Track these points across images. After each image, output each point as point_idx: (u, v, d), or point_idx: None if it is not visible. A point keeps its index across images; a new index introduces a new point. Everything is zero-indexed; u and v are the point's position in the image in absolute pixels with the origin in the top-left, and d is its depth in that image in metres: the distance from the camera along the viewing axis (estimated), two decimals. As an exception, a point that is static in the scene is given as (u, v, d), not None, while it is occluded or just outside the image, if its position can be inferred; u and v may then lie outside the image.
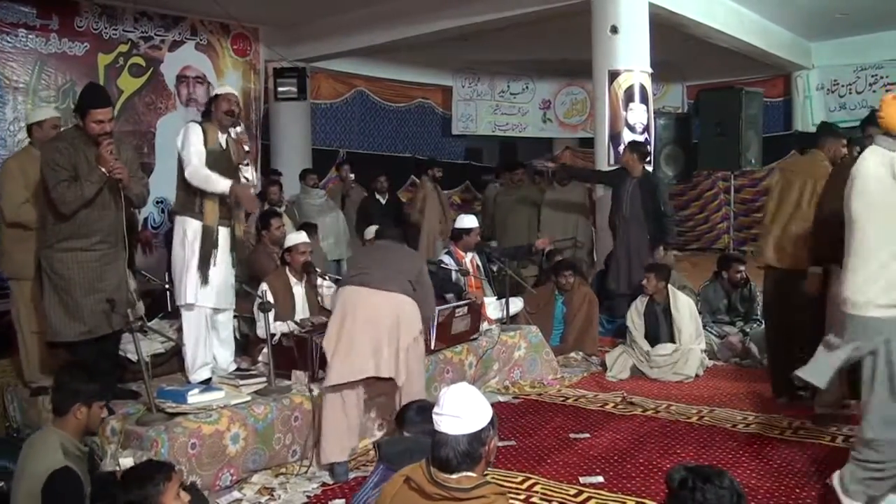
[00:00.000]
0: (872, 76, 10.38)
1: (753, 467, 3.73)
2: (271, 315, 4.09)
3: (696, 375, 5.43)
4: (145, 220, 7.76)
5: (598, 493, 3.48)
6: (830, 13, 9.01)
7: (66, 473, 2.77)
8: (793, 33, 10.11)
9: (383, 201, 8.04)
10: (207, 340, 4.25)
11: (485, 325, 5.37)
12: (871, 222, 3.00)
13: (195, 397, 3.73)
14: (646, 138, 6.80)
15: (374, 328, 3.75)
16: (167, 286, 5.26)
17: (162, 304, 5.44)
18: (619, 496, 3.45)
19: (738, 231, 10.23)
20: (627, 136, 6.69)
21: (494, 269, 5.77)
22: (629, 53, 6.73)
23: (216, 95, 4.27)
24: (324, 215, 7.66)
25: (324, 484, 3.71)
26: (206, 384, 4.05)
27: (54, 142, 3.88)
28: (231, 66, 8.84)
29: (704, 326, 5.89)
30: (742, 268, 6.19)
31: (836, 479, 3.13)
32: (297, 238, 4.84)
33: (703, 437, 4.19)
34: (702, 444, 4.09)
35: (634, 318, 5.65)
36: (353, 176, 8.57)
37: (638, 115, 6.77)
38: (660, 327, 5.59)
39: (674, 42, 8.48)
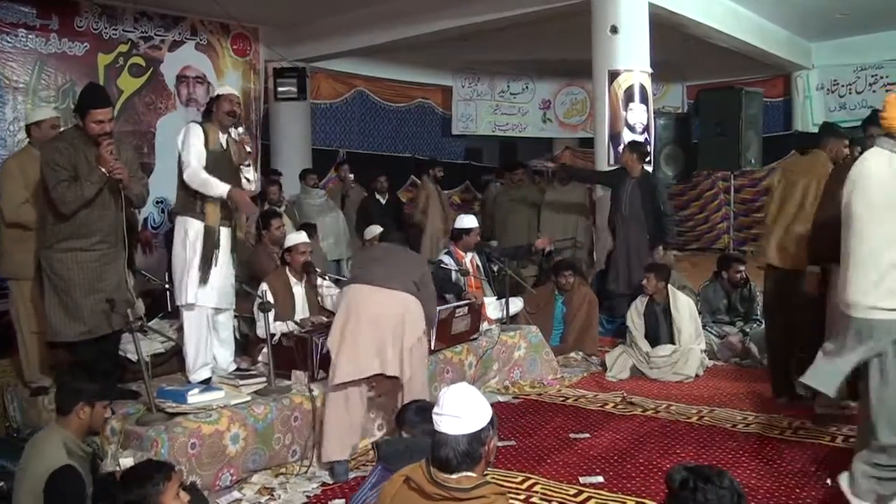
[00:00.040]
0: (872, 76, 10.37)
1: (753, 467, 3.73)
2: (271, 315, 4.10)
3: (696, 375, 5.43)
4: (145, 220, 7.75)
5: (598, 493, 3.48)
6: (830, 13, 9.00)
7: (68, 472, 2.78)
8: (793, 33, 10.11)
9: (383, 201, 8.04)
10: (208, 340, 4.25)
11: (485, 325, 5.37)
12: (875, 224, 2.98)
13: (195, 397, 3.73)
14: (646, 138, 6.80)
15: (379, 326, 3.76)
16: (167, 286, 5.26)
17: (162, 304, 5.44)
18: (618, 496, 3.45)
19: (737, 231, 10.22)
20: (627, 136, 6.69)
21: (494, 269, 5.77)
22: (629, 53, 6.72)
23: (218, 96, 4.26)
24: (324, 215, 7.66)
25: (324, 484, 3.71)
26: (206, 384, 4.05)
27: (54, 142, 3.89)
28: (231, 66, 8.84)
29: (704, 326, 5.89)
30: (742, 268, 6.19)
31: (843, 480, 3.09)
32: (296, 238, 4.84)
33: (703, 437, 4.19)
34: (702, 444, 4.09)
35: (634, 318, 5.65)
36: (352, 176, 8.57)
37: (638, 115, 6.76)
38: (660, 327, 5.60)
39: (674, 42, 8.48)
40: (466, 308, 5.02)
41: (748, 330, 5.98)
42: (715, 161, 8.27)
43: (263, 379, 4.13)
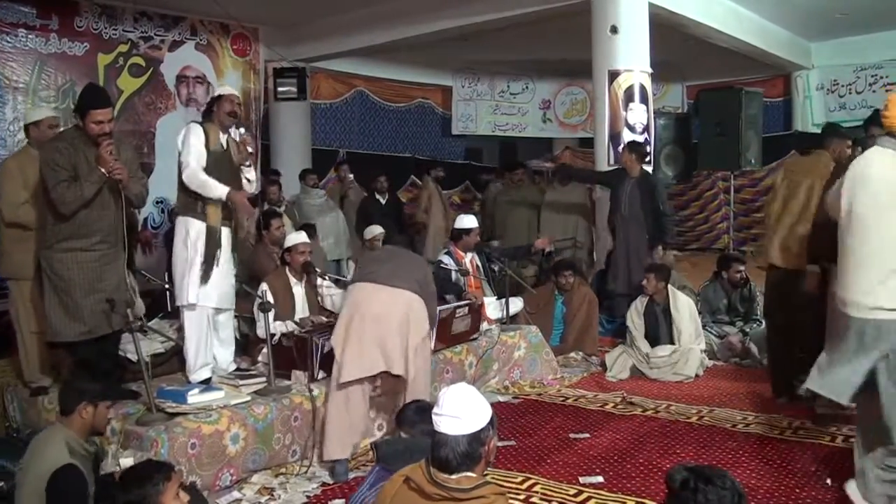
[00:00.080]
0: (872, 76, 10.37)
1: (753, 467, 3.73)
2: (271, 315, 4.10)
3: (696, 375, 5.42)
4: (145, 220, 7.76)
5: (598, 493, 3.48)
6: (830, 13, 9.00)
7: (71, 470, 2.78)
8: (792, 33, 10.11)
9: (383, 201, 8.04)
10: (208, 340, 4.25)
11: (485, 325, 5.37)
12: (879, 223, 2.97)
13: (195, 397, 3.73)
14: (646, 138, 6.80)
15: (384, 324, 3.78)
16: (167, 286, 5.26)
17: (162, 304, 5.44)
18: (618, 496, 3.45)
19: (737, 231, 10.22)
20: (627, 136, 6.69)
21: (495, 269, 5.77)
22: (629, 53, 6.72)
23: (219, 96, 4.26)
24: (324, 215, 7.65)
25: (324, 484, 3.71)
26: (206, 384, 4.05)
27: (54, 142, 3.89)
28: (231, 66, 8.84)
29: (704, 326, 5.88)
30: (742, 268, 6.19)
31: (852, 488, 3.06)
32: (296, 238, 4.84)
33: (703, 437, 4.19)
34: (702, 444, 4.09)
35: (634, 319, 5.65)
36: (351, 176, 8.56)
37: (638, 115, 6.76)
38: (659, 327, 5.60)
39: (674, 42, 8.48)
40: (466, 308, 5.02)
41: (748, 330, 5.98)
42: (715, 161, 8.28)
43: (263, 379, 4.13)
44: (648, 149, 6.78)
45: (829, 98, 10.81)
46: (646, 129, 6.84)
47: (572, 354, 6.01)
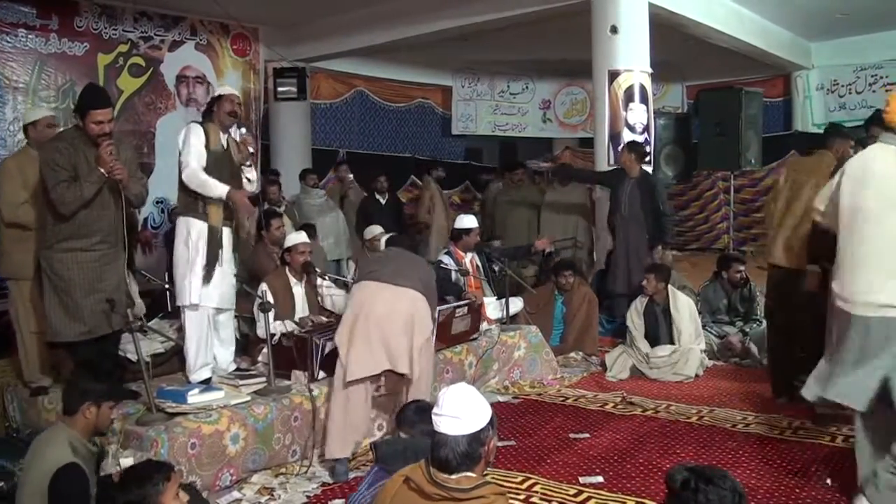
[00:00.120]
0: (872, 76, 10.36)
1: (753, 467, 3.73)
2: (271, 315, 4.10)
3: (696, 375, 5.42)
4: (145, 220, 7.75)
5: (598, 493, 3.48)
6: (830, 13, 9.00)
7: (73, 470, 2.78)
8: (793, 33, 10.10)
9: (383, 201, 8.03)
10: (208, 340, 4.25)
11: (484, 325, 5.37)
12: (886, 220, 2.95)
13: (195, 397, 3.73)
14: (646, 138, 6.79)
15: (389, 323, 3.78)
16: (167, 286, 5.26)
17: (162, 304, 5.44)
18: (618, 496, 3.45)
19: (737, 231, 10.21)
20: (627, 136, 6.68)
21: (495, 269, 5.77)
22: (629, 53, 6.72)
23: (219, 96, 4.26)
24: (324, 215, 7.65)
25: (324, 484, 3.71)
26: (206, 384, 4.05)
27: (54, 142, 3.89)
28: (231, 66, 8.83)
29: (704, 326, 5.88)
30: (742, 268, 6.19)
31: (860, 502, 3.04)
32: (296, 238, 4.84)
33: (703, 437, 4.19)
34: (702, 444, 4.09)
35: (634, 319, 5.65)
36: (351, 176, 8.56)
37: (638, 115, 6.76)
38: (659, 328, 5.60)
39: (674, 42, 8.47)
40: (466, 308, 5.02)
41: (748, 330, 5.98)
42: (715, 161, 8.28)
43: (263, 379, 4.13)
44: (648, 149, 6.77)
45: (829, 98, 10.81)
46: (646, 129, 6.84)
47: (572, 354, 6.01)
